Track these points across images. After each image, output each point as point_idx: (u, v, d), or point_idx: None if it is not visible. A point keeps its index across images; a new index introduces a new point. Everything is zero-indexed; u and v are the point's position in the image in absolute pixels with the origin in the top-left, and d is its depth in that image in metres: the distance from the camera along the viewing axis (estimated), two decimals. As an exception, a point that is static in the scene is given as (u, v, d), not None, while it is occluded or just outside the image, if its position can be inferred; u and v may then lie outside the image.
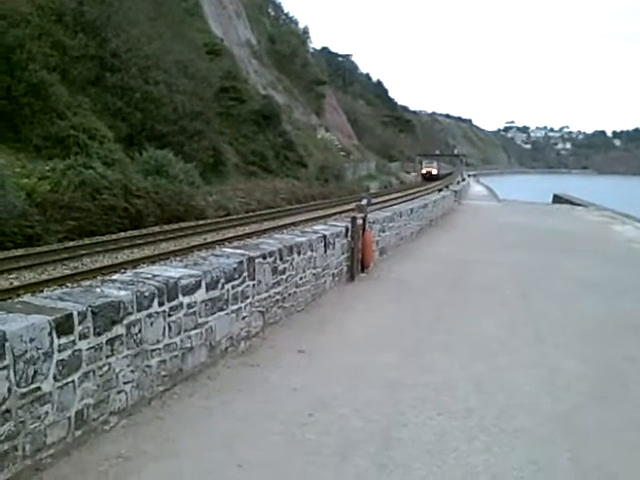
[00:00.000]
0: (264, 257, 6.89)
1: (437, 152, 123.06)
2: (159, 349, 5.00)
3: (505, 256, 14.18)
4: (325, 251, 8.97)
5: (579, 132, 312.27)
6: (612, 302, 9.77)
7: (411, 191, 43.82)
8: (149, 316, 4.85)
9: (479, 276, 11.64)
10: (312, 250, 8.43)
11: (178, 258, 12.11)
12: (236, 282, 6.23)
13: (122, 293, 4.64)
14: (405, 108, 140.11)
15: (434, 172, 65.97)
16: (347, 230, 10.12)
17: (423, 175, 64.85)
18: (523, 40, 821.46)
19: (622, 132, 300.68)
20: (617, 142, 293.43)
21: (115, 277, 5.32)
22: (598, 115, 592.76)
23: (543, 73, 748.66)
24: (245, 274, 6.42)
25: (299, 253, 7.93)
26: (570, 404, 5.50)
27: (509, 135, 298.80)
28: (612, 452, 4.61)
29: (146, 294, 4.82)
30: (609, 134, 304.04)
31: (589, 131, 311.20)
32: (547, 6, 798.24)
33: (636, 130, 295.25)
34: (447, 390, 5.66)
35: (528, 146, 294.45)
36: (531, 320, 8.48)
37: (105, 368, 4.38)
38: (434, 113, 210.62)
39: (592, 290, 10.70)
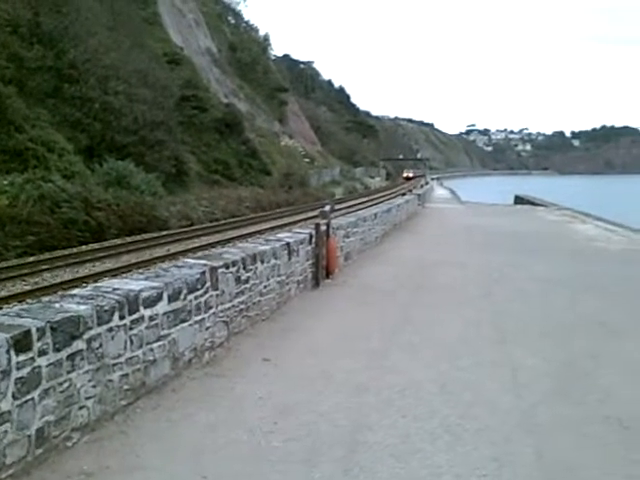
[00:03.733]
0: (227, 267, 6.87)
1: (401, 156, 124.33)
2: (121, 363, 4.95)
3: (469, 257, 14.39)
4: (289, 258, 8.98)
5: (539, 133, 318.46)
6: (574, 300, 9.98)
7: (375, 196, 44.04)
8: (110, 330, 4.80)
9: (443, 278, 11.79)
10: (276, 258, 8.43)
11: (140, 270, 11.97)
12: (199, 293, 6.20)
13: (82, 308, 4.59)
14: (368, 113, 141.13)
15: (411, 175, 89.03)
16: (311, 237, 10.15)
17: (404, 178, 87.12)
18: (480, 43, 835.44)
19: (580, 132, 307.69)
20: (576, 142, 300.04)
21: (75, 292, 5.26)
22: (557, 116, 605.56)
23: (501, 76, 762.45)
24: (208, 284, 6.39)
25: (263, 261, 7.93)
26: (532, 401, 5.60)
27: (471, 138, 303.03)
28: (573, 446, 4.72)
29: (106, 308, 4.77)
30: (568, 135, 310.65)
31: (548, 132, 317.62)
32: (502, 10, 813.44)
33: (594, 130, 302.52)
34: (412, 392, 5.72)
35: (489, 148, 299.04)
36: (495, 320, 8.61)
37: (66, 384, 4.32)
38: (396, 118, 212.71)
39: (554, 288, 10.91)
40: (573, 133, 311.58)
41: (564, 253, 15.84)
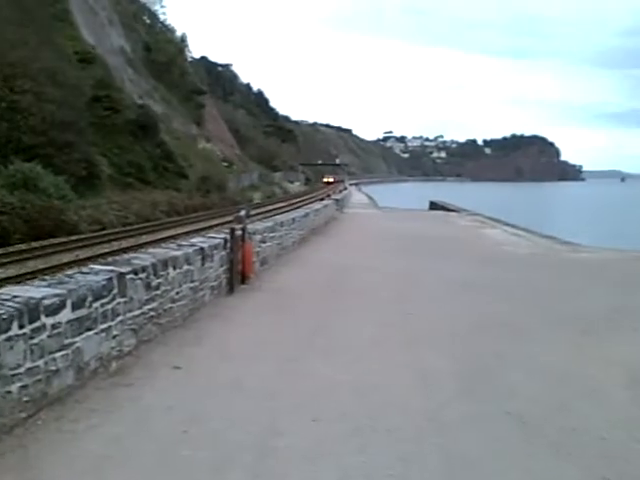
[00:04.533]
0: (136, 273, 6.69)
1: (319, 162, 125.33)
2: (20, 374, 4.72)
3: (384, 261, 14.65)
4: (203, 264, 8.85)
5: (452, 141, 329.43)
6: (482, 302, 10.33)
7: (294, 201, 44.21)
8: (8, 339, 4.57)
9: (359, 282, 11.95)
10: (189, 263, 8.28)
11: (45, 277, 11.48)
12: (105, 300, 6.00)
13: (-24, 317, 4.35)
14: (287, 118, 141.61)
15: (331, 180, 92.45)
16: (226, 242, 10.04)
17: (325, 182, 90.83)
18: (397, 51, 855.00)
19: (492, 141, 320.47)
20: (488, 150, 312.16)
21: (-30, 300, 4.97)
22: (470, 125, 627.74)
23: (418, 83, 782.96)
24: (115, 291, 6.20)
25: (175, 267, 7.76)
26: (440, 401, 5.75)
27: (388, 145, 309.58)
28: (477, 443, 4.87)
29: (4, 317, 4.55)
30: (480, 143, 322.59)
31: (462, 140, 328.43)
32: (421, 21, 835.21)
33: (505, 139, 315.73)
34: (324, 395, 5.76)
35: (406, 155, 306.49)
36: (406, 322, 8.80)
37: (-42, 398, 4.08)
38: (315, 123, 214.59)
39: (464, 291, 11.26)
40: (485, 141, 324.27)
41: (474, 257, 16.41)
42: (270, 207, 35.70)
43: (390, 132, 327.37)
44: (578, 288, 11.98)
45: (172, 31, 72.58)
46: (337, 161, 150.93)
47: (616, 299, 10.60)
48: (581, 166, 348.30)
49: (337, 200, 33.44)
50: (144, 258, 7.33)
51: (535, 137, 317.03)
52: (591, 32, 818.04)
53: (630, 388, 6.19)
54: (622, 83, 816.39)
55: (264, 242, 12.78)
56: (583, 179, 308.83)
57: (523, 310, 9.79)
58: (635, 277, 13.14)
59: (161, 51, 59.46)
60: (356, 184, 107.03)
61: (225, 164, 54.32)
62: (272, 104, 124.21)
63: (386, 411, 5.43)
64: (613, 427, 5.19)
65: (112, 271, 6.35)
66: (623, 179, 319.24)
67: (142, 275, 6.84)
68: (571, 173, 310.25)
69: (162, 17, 71.64)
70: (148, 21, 67.11)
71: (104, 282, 6.02)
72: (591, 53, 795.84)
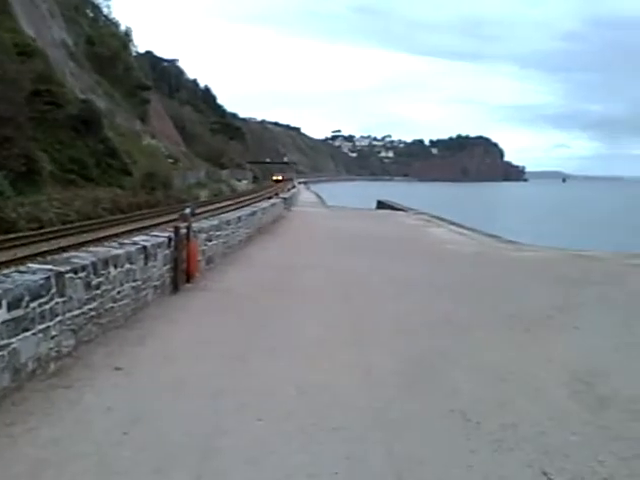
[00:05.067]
0: (75, 272, 6.49)
1: (267, 160, 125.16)
2: (-50, 378, 4.53)
3: (331, 260, 14.70)
4: (146, 263, 8.67)
5: (400, 141, 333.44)
6: (426, 300, 10.50)
7: (242, 199, 43.95)
8: (-63, 342, 4.38)
9: (305, 281, 11.96)
10: (131, 262, 8.10)
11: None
12: (43, 300, 5.80)
13: None
14: (234, 115, 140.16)
15: (280, 178, 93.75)
16: (170, 240, 9.87)
17: (274, 180, 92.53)
18: (346, 50, 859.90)
19: (438, 141, 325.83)
20: (434, 150, 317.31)
21: None
22: (417, 125, 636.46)
23: (364, 83, 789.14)
24: (53, 290, 6.00)
25: (116, 266, 7.58)
26: (384, 399, 5.78)
27: (336, 144, 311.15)
28: (421, 441, 4.92)
29: None
30: (427, 143, 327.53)
31: (409, 140, 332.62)
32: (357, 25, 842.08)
33: (451, 139, 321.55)
34: (269, 395, 5.73)
35: (354, 154, 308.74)
36: (352, 321, 8.84)
37: None
38: (264, 121, 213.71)
39: (410, 290, 11.41)
40: (432, 141, 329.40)
41: (420, 256, 16.65)
42: (217, 205, 35.38)
43: (338, 131, 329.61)
44: (521, 286, 12.27)
45: (116, 25, 71.06)
46: (285, 159, 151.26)
47: (558, 297, 10.88)
48: (524, 167, 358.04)
49: (285, 199, 33.42)
50: (84, 257, 7.13)
51: (480, 138, 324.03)
52: (534, 35, 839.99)
53: (569, 384, 6.35)
54: (563, 86, 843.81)
55: (210, 241, 12.65)
56: (526, 180, 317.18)
57: (467, 309, 9.95)
58: (575, 275, 13.55)
59: (104, 45, 58.04)
60: (305, 183, 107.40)
61: (171, 161, 53.47)
62: (220, 101, 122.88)
63: (331, 410, 5.43)
64: (553, 423, 5.31)
65: (50, 270, 6.15)
66: (564, 180, 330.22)
67: (82, 274, 6.65)
68: (514, 174, 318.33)
69: (105, 10, 69.93)
70: (91, 14, 65.43)
71: (42, 281, 5.82)
72: (534, 56, 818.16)
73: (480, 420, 5.31)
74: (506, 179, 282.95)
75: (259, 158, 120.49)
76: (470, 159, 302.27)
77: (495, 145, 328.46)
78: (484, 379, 6.48)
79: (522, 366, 6.94)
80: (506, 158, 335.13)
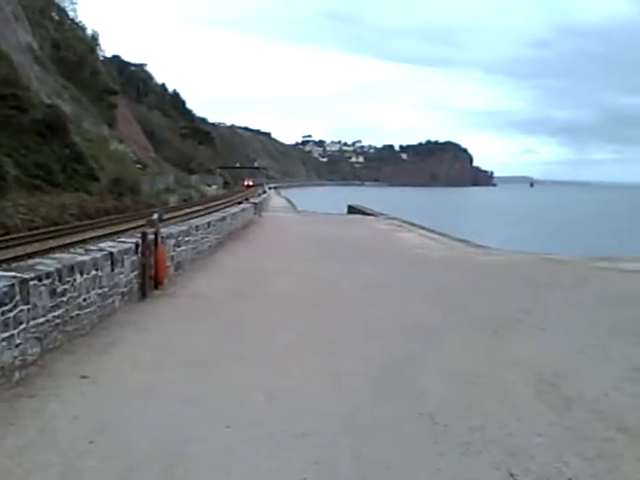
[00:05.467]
0: (40, 279, 6.38)
1: (238, 165, 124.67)
2: None
3: (301, 266, 14.69)
4: (112, 269, 8.56)
5: (370, 146, 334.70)
6: (396, 305, 10.54)
7: (212, 204, 43.66)
8: None
9: (276, 287, 11.92)
10: (97, 269, 7.99)
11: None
12: (7, 307, 5.69)
13: None
14: (204, 120, 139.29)
15: (251, 183, 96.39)
16: (137, 246, 9.76)
17: (245, 185, 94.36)
18: (317, 56, 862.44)
19: (408, 146, 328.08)
20: (404, 156, 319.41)
21: None
22: (387, 131, 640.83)
23: (335, 89, 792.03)
24: (17, 298, 5.89)
25: (82, 273, 7.47)
26: (354, 404, 5.79)
27: (307, 149, 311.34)
28: (389, 445, 4.93)
29: None
30: (397, 148, 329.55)
31: (379, 145, 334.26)
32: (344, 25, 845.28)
33: (420, 145, 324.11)
34: (238, 402, 5.69)
35: (325, 159, 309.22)
36: (322, 327, 8.84)
37: None
38: (233, 126, 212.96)
39: (380, 295, 11.44)
40: (402, 147, 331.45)
41: (391, 261, 16.74)
42: (186, 210, 35.08)
43: (309, 136, 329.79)
44: (489, 290, 12.41)
45: (83, 28, 70.05)
46: (256, 164, 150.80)
47: (525, 300, 11.01)
48: (492, 172, 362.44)
49: (255, 204, 33.36)
50: (49, 264, 7.00)
51: (449, 143, 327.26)
52: (504, 42, 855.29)
53: (535, 386, 6.43)
54: (532, 92, 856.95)
55: (178, 246, 12.54)
56: (495, 184, 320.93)
57: (437, 313, 10.03)
58: (542, 278, 13.75)
59: (71, 49, 57.16)
60: (275, 188, 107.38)
61: (139, 166, 52.84)
62: (189, 106, 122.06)
63: (301, 416, 5.42)
64: (520, 424, 5.37)
65: (14, 277, 6.03)
66: (532, 185, 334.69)
67: (46, 281, 6.54)
68: (483, 179, 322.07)
69: (72, 14, 68.78)
70: (57, 17, 64.36)
71: (5, 289, 5.71)
72: (503, 63, 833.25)
73: (448, 423, 5.35)
74: (475, 184, 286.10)
75: (229, 163, 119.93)
76: (439, 164, 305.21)
77: (464, 150, 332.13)
78: (453, 382, 6.53)
79: (490, 369, 7.01)
80: (475, 163, 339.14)
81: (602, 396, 6.16)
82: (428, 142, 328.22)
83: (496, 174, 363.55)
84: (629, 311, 10.24)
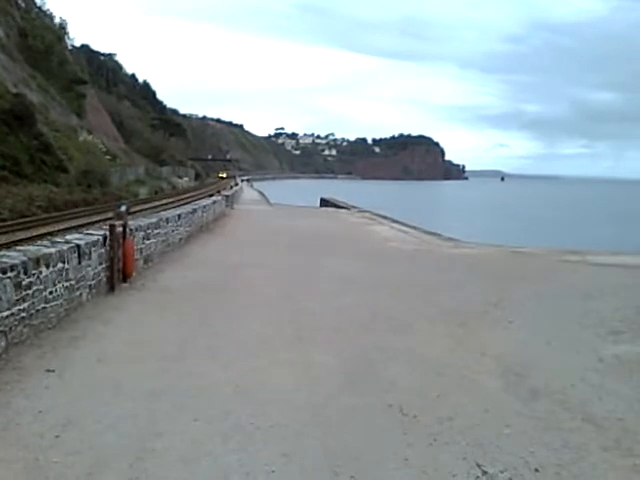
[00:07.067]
0: (4, 272, 6.26)
1: (210, 157, 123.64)
2: None
3: (273, 259, 14.65)
4: (79, 262, 8.43)
5: (343, 139, 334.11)
6: (367, 297, 10.58)
7: (183, 196, 43.24)
8: None
9: (247, 279, 11.88)
10: (64, 262, 7.86)
11: None
12: (-31, 301, 5.58)
13: None
14: (175, 111, 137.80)
15: (225, 175, 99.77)
16: (105, 239, 9.63)
17: (219, 177, 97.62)
18: (290, 48, 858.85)
19: (381, 140, 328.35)
20: (377, 149, 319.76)
21: None
22: (360, 124, 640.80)
23: (307, 81, 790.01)
24: (-20, 291, 5.78)
25: (48, 265, 7.35)
26: (323, 396, 5.81)
27: (280, 141, 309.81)
28: (358, 436, 4.96)
29: None
30: (370, 142, 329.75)
31: (352, 138, 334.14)
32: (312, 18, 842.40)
33: (393, 138, 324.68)
34: (206, 394, 5.68)
35: (298, 152, 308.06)
36: (293, 319, 8.83)
37: None
38: (205, 117, 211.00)
39: (351, 287, 11.46)
40: (374, 140, 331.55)
41: (362, 253, 16.77)
42: (157, 203, 34.70)
43: (282, 128, 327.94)
44: (459, 282, 12.51)
45: (50, 17, 68.49)
46: (228, 156, 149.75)
47: (493, 293, 11.13)
48: (464, 166, 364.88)
49: (227, 196, 33.14)
50: (14, 256, 6.87)
51: (422, 137, 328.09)
52: (476, 37, 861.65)
53: (503, 377, 6.52)
54: (503, 86, 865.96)
55: (148, 239, 12.41)
56: (466, 178, 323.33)
57: (407, 305, 10.11)
58: (511, 271, 13.93)
59: (38, 38, 55.95)
60: (248, 180, 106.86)
61: (108, 157, 52.06)
62: (160, 97, 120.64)
63: (270, 408, 5.42)
64: (487, 415, 5.44)
65: (-24, 270, 5.91)
66: (503, 178, 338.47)
67: (11, 274, 6.42)
68: (455, 172, 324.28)
69: (39, 2, 67.38)
70: (23, 5, 62.99)
71: (-33, 282, 5.59)
72: (476, 57, 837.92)
73: (417, 414, 5.40)
74: (447, 178, 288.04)
75: (201, 155, 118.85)
76: (412, 158, 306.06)
77: (436, 144, 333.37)
78: (421, 373, 6.59)
79: (458, 360, 7.08)
80: (447, 157, 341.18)
81: (568, 387, 6.26)
82: (401, 136, 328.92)
83: (468, 168, 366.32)
84: (597, 303, 10.40)
